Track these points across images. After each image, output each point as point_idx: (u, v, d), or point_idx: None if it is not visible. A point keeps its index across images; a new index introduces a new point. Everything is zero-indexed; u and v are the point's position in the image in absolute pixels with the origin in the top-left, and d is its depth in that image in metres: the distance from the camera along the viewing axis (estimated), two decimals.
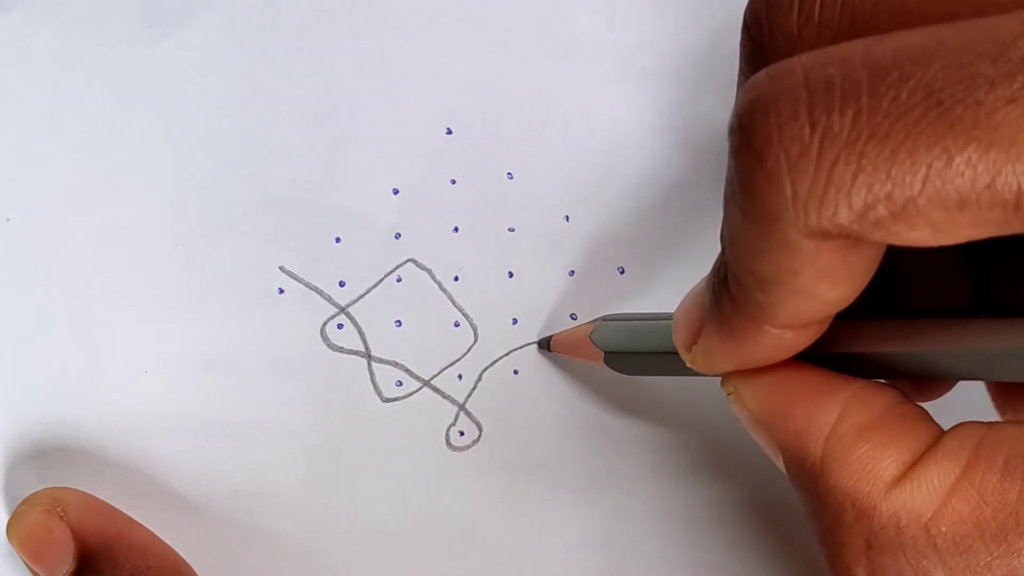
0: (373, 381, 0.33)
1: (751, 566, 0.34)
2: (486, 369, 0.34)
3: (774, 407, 0.23)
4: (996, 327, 0.22)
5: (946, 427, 0.22)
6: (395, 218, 0.34)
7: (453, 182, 0.34)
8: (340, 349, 0.33)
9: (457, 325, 0.34)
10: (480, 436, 0.33)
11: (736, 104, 0.20)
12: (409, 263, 0.34)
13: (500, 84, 0.34)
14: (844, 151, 0.19)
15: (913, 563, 0.21)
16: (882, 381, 0.23)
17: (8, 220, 0.33)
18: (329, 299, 0.33)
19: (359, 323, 0.33)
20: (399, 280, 0.34)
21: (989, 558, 0.20)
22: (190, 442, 0.32)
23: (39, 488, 0.31)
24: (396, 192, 0.34)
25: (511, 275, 0.34)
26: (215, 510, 0.32)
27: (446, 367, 0.33)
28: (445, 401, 0.33)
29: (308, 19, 0.34)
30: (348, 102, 0.34)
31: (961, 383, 0.26)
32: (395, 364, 0.33)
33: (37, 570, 0.30)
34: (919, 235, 0.19)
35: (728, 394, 0.25)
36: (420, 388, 0.33)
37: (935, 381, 0.27)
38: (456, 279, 0.34)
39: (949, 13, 0.20)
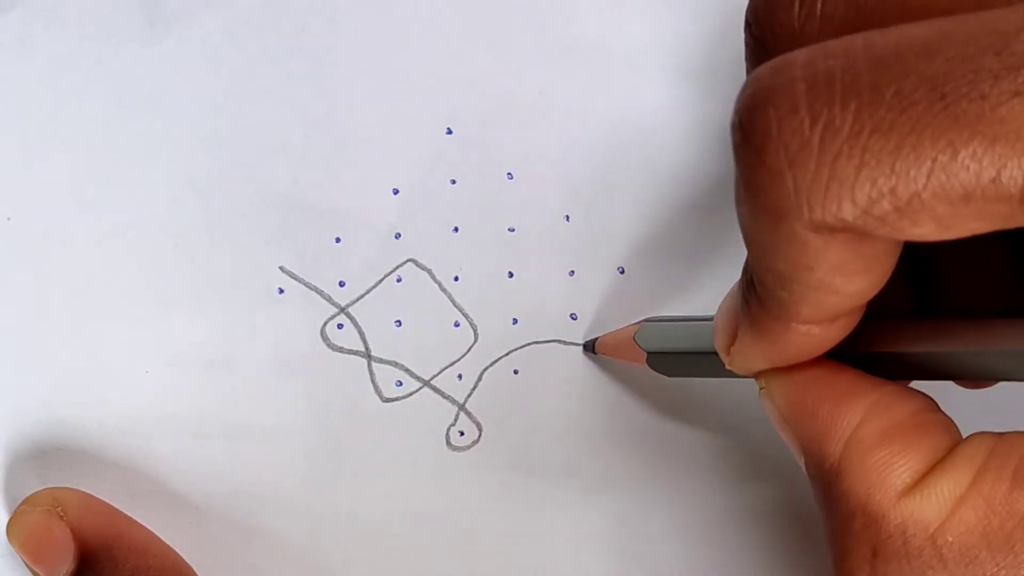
0: (373, 381, 0.33)
1: (751, 566, 0.34)
2: (486, 369, 0.34)
3: (800, 406, 0.23)
4: None
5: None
6: (395, 218, 0.34)
7: (453, 182, 0.34)
8: (340, 349, 0.33)
9: (457, 325, 0.34)
10: (480, 436, 0.33)
11: (737, 100, 0.20)
12: (409, 263, 0.34)
13: (500, 84, 0.34)
14: (847, 145, 0.19)
15: (918, 573, 0.21)
16: (912, 387, 0.23)
17: (8, 220, 0.33)
18: (329, 299, 0.33)
19: (359, 323, 0.33)
20: (399, 280, 0.34)
21: (996, 568, 0.20)
22: (190, 442, 0.32)
23: (39, 488, 0.31)
24: (396, 192, 0.34)
25: (511, 275, 0.34)
26: (215, 510, 0.32)
27: (446, 367, 0.33)
28: (445, 401, 0.33)
29: (308, 19, 0.34)
30: (348, 102, 0.34)
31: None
32: (395, 364, 0.33)
33: (37, 570, 0.30)
34: (923, 230, 0.19)
35: (760, 388, 0.25)
36: (420, 388, 0.33)
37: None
38: (456, 279, 0.34)
39: (951, 7, 0.20)
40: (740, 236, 0.23)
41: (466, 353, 0.34)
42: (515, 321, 0.34)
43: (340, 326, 0.33)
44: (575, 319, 0.34)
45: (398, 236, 0.34)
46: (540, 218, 0.34)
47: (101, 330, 0.33)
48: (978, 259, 0.26)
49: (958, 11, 0.19)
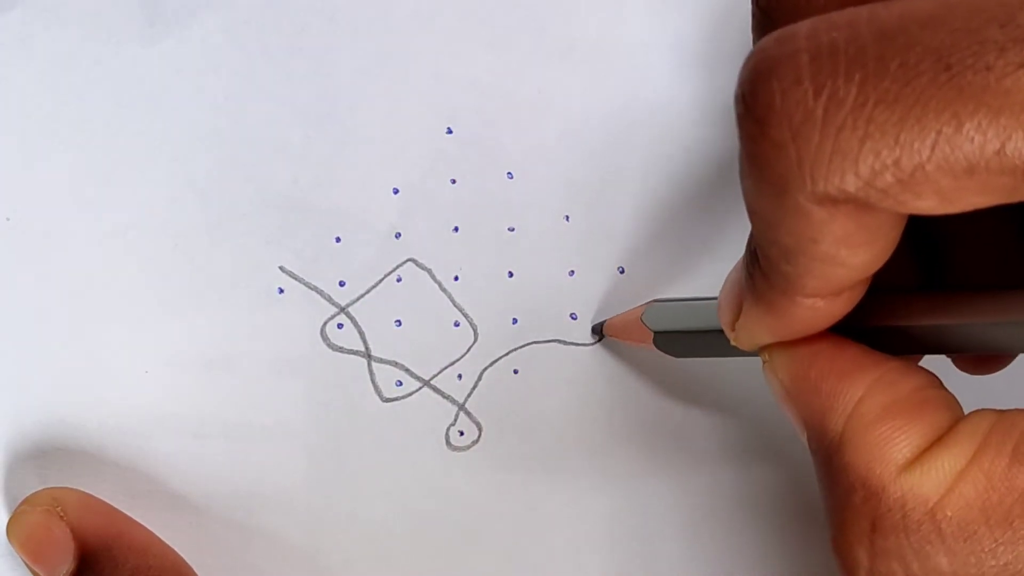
0: (373, 381, 0.33)
1: (751, 565, 0.34)
2: (486, 369, 0.34)
3: (803, 381, 0.23)
4: None
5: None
6: (395, 218, 0.34)
7: (453, 182, 0.34)
8: (340, 349, 0.33)
9: (457, 325, 0.34)
10: (480, 436, 0.33)
11: (740, 71, 0.20)
12: (409, 263, 0.34)
13: (500, 84, 0.34)
14: (850, 116, 0.19)
15: (916, 548, 0.21)
16: (916, 364, 0.23)
17: (8, 220, 0.33)
18: (329, 299, 0.33)
19: (359, 323, 0.33)
20: (399, 280, 0.34)
21: (994, 544, 0.20)
22: (190, 442, 0.32)
23: (39, 488, 0.31)
24: (396, 192, 0.34)
25: (511, 275, 0.34)
26: (215, 510, 0.32)
27: (446, 367, 0.33)
28: (445, 401, 0.33)
29: (308, 19, 0.34)
30: (348, 102, 0.34)
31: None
32: (395, 364, 0.33)
33: (37, 570, 0.30)
34: (926, 204, 0.19)
35: (764, 363, 0.25)
36: (420, 388, 0.33)
37: (987, 362, 0.27)
38: (456, 279, 0.34)
39: None
40: (740, 236, 0.23)
41: (466, 353, 0.34)
42: (515, 321, 0.34)
43: (340, 326, 0.33)
44: (575, 319, 0.34)
45: (398, 236, 0.34)
46: (540, 218, 0.34)
47: (101, 330, 0.33)
48: (983, 234, 0.26)
49: None
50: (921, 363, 0.24)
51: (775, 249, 0.21)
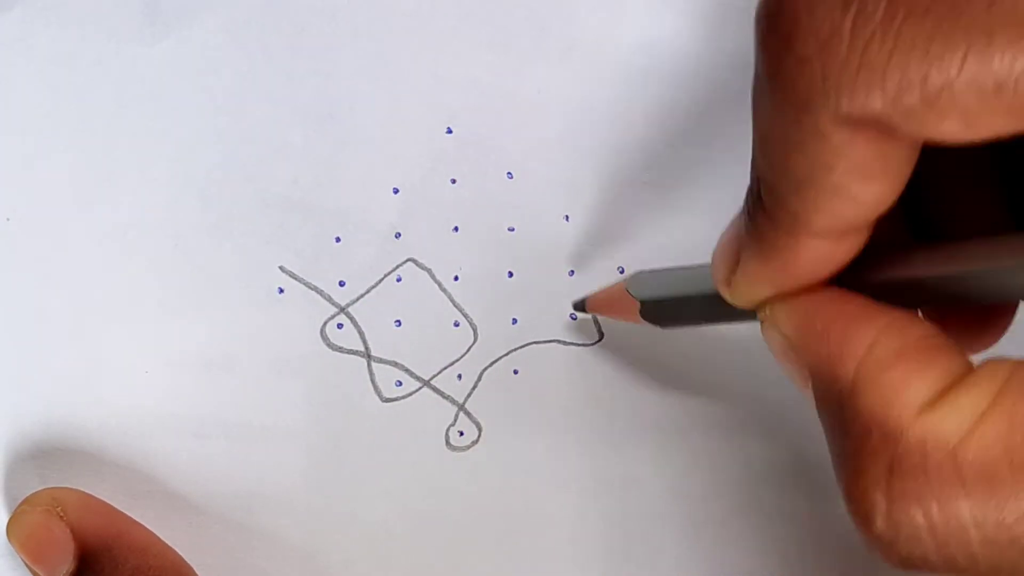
0: (373, 381, 0.33)
1: (751, 565, 0.34)
2: (486, 369, 0.34)
3: (809, 329, 0.23)
4: None
5: None
6: (395, 218, 0.34)
7: (453, 182, 0.34)
8: (340, 349, 0.33)
9: (457, 325, 0.34)
10: (480, 436, 0.33)
11: None
12: (409, 263, 0.34)
13: (500, 84, 0.34)
14: (879, 30, 0.18)
15: (936, 490, 0.20)
16: (919, 316, 0.23)
17: (8, 220, 0.33)
18: (329, 299, 0.33)
19: (359, 323, 0.33)
20: (399, 280, 0.34)
21: (1015, 487, 0.19)
22: (190, 442, 0.32)
23: (39, 488, 0.31)
24: (396, 192, 0.34)
25: (511, 275, 0.34)
26: (215, 510, 0.32)
27: (446, 367, 0.33)
28: (445, 401, 0.33)
29: (308, 19, 0.34)
30: (348, 102, 0.34)
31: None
32: (395, 364, 0.33)
33: (37, 570, 0.30)
34: (949, 127, 0.19)
35: (763, 321, 0.24)
36: (420, 388, 0.33)
37: (987, 325, 0.26)
38: (456, 279, 0.34)
39: None
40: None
41: (466, 353, 0.34)
42: (515, 321, 0.34)
43: (340, 326, 0.33)
44: (575, 319, 0.34)
45: (398, 236, 0.34)
46: (540, 218, 0.34)
47: (101, 330, 0.33)
48: (970, 189, 0.25)
49: None
50: None
51: (784, 180, 0.20)
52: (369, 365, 0.33)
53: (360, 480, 0.33)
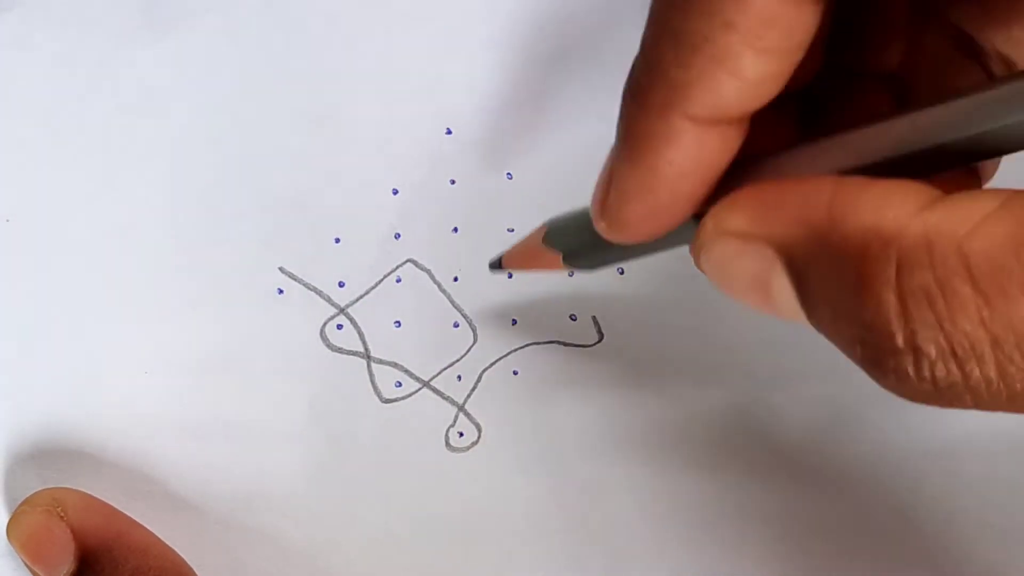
0: (372, 382, 0.33)
1: (750, 566, 0.34)
2: (485, 370, 0.34)
3: (763, 207, 0.21)
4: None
5: None
6: (395, 218, 0.34)
7: (453, 182, 0.34)
8: (340, 350, 0.33)
9: (456, 326, 0.34)
10: (479, 437, 0.33)
11: None
12: (409, 263, 0.34)
13: (500, 84, 0.34)
14: None
15: (943, 281, 0.19)
16: None
17: (8, 220, 0.33)
18: (329, 299, 0.33)
19: (359, 324, 0.33)
20: (399, 280, 0.34)
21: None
22: (190, 442, 0.33)
23: (39, 488, 0.31)
24: (396, 192, 0.34)
25: (511, 276, 0.34)
26: (215, 510, 0.33)
27: (445, 368, 0.33)
28: (444, 402, 0.33)
29: (308, 19, 0.34)
30: (348, 102, 0.34)
31: None
32: (394, 365, 0.33)
33: (37, 570, 0.30)
34: None
35: (701, 245, 0.22)
36: (419, 389, 0.33)
37: None
38: (456, 279, 0.34)
39: None
40: None
41: (465, 354, 0.34)
42: (514, 322, 0.34)
43: (340, 327, 0.33)
44: (575, 320, 0.34)
45: (398, 236, 0.34)
46: (540, 218, 0.34)
47: (101, 330, 0.33)
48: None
49: None
50: None
51: (673, 44, 0.20)
52: (369, 366, 0.33)
53: (360, 481, 0.33)
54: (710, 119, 0.21)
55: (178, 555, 0.31)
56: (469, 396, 0.33)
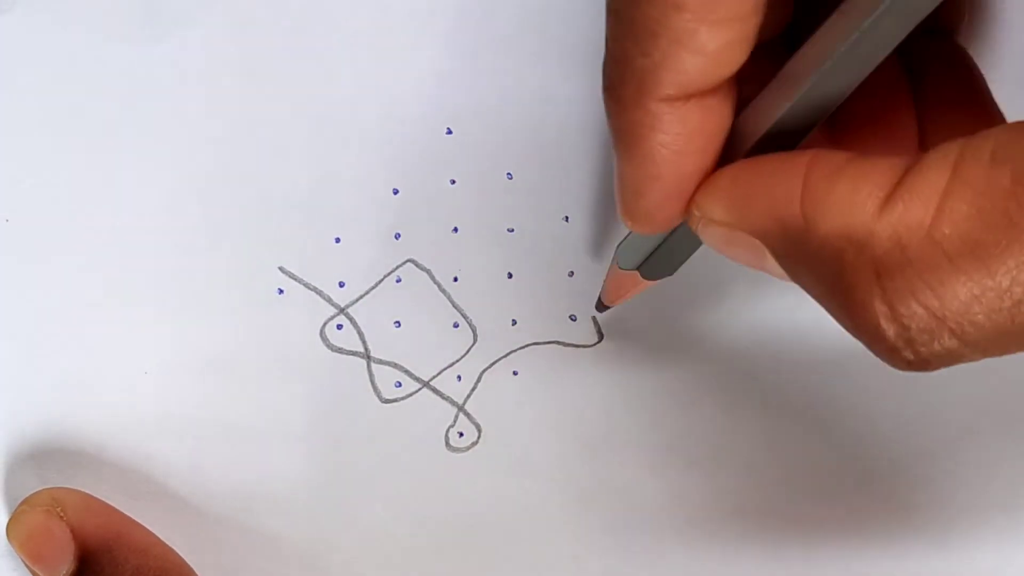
0: (372, 382, 0.33)
1: (750, 566, 0.34)
2: (485, 370, 0.34)
3: (740, 198, 0.22)
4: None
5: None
6: (395, 218, 0.34)
7: (453, 182, 0.34)
8: (339, 350, 0.33)
9: (456, 326, 0.34)
10: (479, 437, 0.33)
11: None
12: (409, 263, 0.34)
13: (500, 84, 0.34)
14: None
15: (926, 277, 0.19)
16: None
17: (8, 220, 0.33)
18: (329, 300, 0.33)
19: (359, 324, 0.33)
20: (399, 281, 0.34)
21: (999, 248, 0.19)
22: (190, 442, 0.33)
23: (39, 488, 0.31)
24: (396, 193, 0.34)
25: (511, 276, 0.34)
26: (215, 510, 0.33)
27: (445, 368, 0.33)
28: (444, 402, 0.33)
29: (308, 19, 0.34)
30: (348, 102, 0.34)
31: None
32: (394, 365, 0.33)
33: (37, 570, 0.30)
34: None
35: (696, 225, 0.24)
36: (419, 389, 0.33)
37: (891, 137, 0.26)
38: (456, 279, 0.34)
39: None
40: None
41: (465, 354, 0.34)
42: (514, 322, 0.34)
43: (340, 327, 0.33)
44: (574, 320, 0.34)
45: (398, 236, 0.34)
46: (540, 218, 0.34)
47: (101, 330, 0.33)
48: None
49: None
50: None
51: (631, 36, 0.21)
52: (369, 366, 0.33)
53: (359, 481, 0.33)
54: (684, 96, 0.21)
55: (178, 555, 0.31)
56: (469, 396, 0.33)
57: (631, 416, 0.34)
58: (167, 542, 0.31)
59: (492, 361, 0.34)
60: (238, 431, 0.33)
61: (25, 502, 0.30)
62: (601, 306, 0.33)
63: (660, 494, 0.34)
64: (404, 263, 0.34)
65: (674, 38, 0.20)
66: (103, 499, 0.31)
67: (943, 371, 0.22)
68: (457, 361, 0.33)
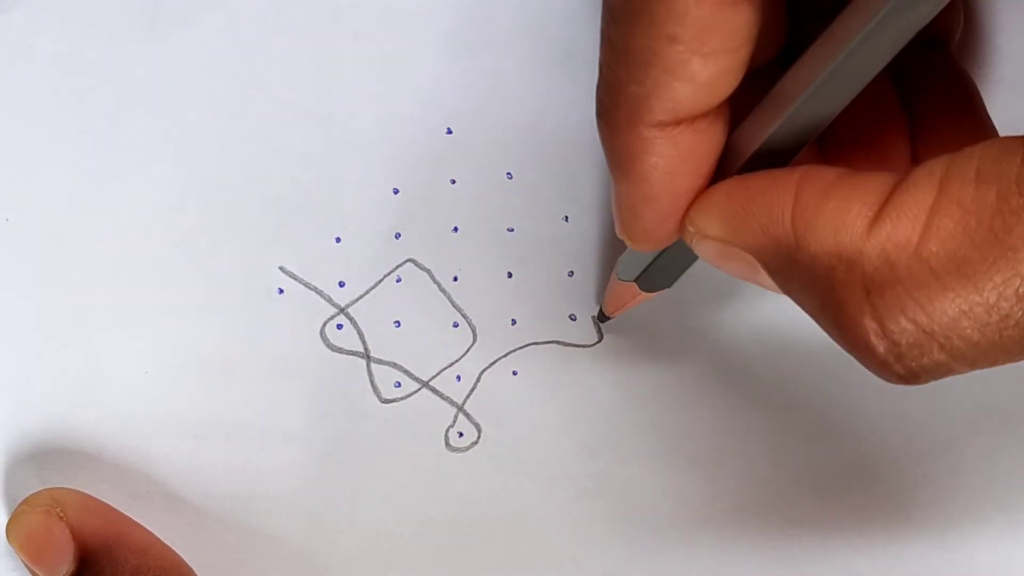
0: (372, 382, 0.33)
1: (750, 566, 0.34)
2: (485, 370, 0.34)
3: (733, 216, 0.23)
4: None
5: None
6: (395, 218, 0.34)
7: (453, 182, 0.34)
8: (339, 350, 0.33)
9: (456, 326, 0.34)
10: (479, 437, 0.33)
11: None
12: (409, 263, 0.34)
13: (500, 84, 0.34)
14: None
15: (914, 294, 0.20)
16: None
17: (8, 220, 0.33)
18: (329, 299, 0.33)
19: (358, 323, 0.33)
20: (399, 280, 0.34)
21: (986, 265, 0.19)
22: (190, 442, 0.33)
23: (39, 488, 0.31)
24: (396, 192, 0.34)
25: (510, 275, 0.34)
26: (215, 510, 0.33)
27: (445, 368, 0.33)
28: (444, 402, 0.33)
29: (309, 19, 0.34)
30: (348, 102, 0.34)
31: None
32: (394, 365, 0.33)
33: (37, 571, 0.30)
34: None
35: (690, 241, 0.24)
36: (419, 389, 0.33)
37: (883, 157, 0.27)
38: (455, 279, 0.34)
39: None
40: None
41: (465, 354, 0.34)
42: (514, 322, 0.34)
43: (340, 326, 0.33)
44: (574, 320, 0.34)
45: (398, 236, 0.34)
46: (540, 218, 0.34)
47: (101, 330, 0.33)
48: None
49: None
50: None
51: (624, 64, 0.21)
52: (368, 366, 0.33)
53: (359, 481, 0.33)
54: (676, 122, 0.22)
55: (178, 555, 0.31)
56: (469, 396, 0.33)
57: (631, 416, 0.34)
58: (167, 542, 0.31)
59: (492, 361, 0.34)
60: (238, 431, 0.33)
61: (25, 502, 0.30)
62: (602, 316, 0.33)
63: (660, 494, 0.34)
64: (404, 263, 0.34)
65: (666, 68, 0.21)
66: (103, 499, 0.31)
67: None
68: (457, 361, 0.33)
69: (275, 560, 0.33)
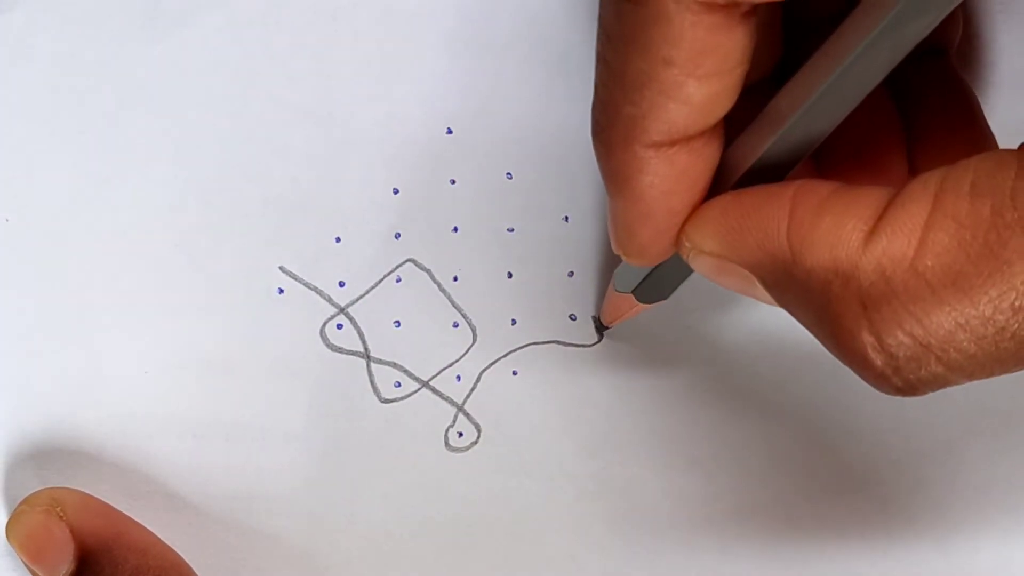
0: (372, 382, 0.33)
1: (750, 566, 0.34)
2: (485, 370, 0.33)
3: (729, 231, 0.23)
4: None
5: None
6: (395, 218, 0.34)
7: (453, 182, 0.34)
8: (339, 349, 0.33)
9: (456, 326, 0.34)
10: (479, 437, 0.33)
11: None
12: (409, 263, 0.34)
13: (500, 84, 0.34)
14: None
15: (911, 308, 0.20)
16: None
17: (8, 220, 0.33)
18: (329, 299, 0.33)
19: (358, 323, 0.33)
20: (399, 280, 0.34)
21: (982, 278, 0.19)
22: (190, 442, 0.33)
23: (39, 488, 0.31)
24: (396, 192, 0.34)
25: (510, 275, 0.34)
26: (215, 510, 0.33)
27: (445, 368, 0.33)
28: (444, 402, 0.33)
29: (309, 19, 0.34)
30: (348, 102, 0.34)
31: None
32: (394, 365, 0.33)
33: (37, 570, 0.30)
34: None
35: (686, 255, 0.24)
36: (419, 389, 0.33)
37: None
38: (455, 279, 0.34)
39: None
40: None
41: (465, 354, 0.34)
42: (514, 322, 0.34)
43: (340, 326, 0.33)
44: (574, 320, 0.34)
45: (398, 236, 0.34)
46: (540, 218, 0.34)
47: (101, 330, 0.33)
48: None
49: None
50: None
51: (620, 85, 0.21)
52: (368, 366, 0.33)
53: (359, 481, 0.33)
54: (671, 142, 0.22)
55: (178, 555, 0.31)
56: (468, 396, 0.33)
57: (631, 416, 0.34)
58: (167, 542, 0.31)
59: (492, 361, 0.34)
60: (238, 431, 0.33)
61: (25, 502, 0.30)
62: (600, 325, 0.33)
63: (660, 494, 0.34)
64: (404, 263, 0.34)
65: (661, 90, 0.21)
66: (103, 499, 0.31)
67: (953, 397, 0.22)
68: (457, 361, 0.33)
69: (275, 560, 0.33)
